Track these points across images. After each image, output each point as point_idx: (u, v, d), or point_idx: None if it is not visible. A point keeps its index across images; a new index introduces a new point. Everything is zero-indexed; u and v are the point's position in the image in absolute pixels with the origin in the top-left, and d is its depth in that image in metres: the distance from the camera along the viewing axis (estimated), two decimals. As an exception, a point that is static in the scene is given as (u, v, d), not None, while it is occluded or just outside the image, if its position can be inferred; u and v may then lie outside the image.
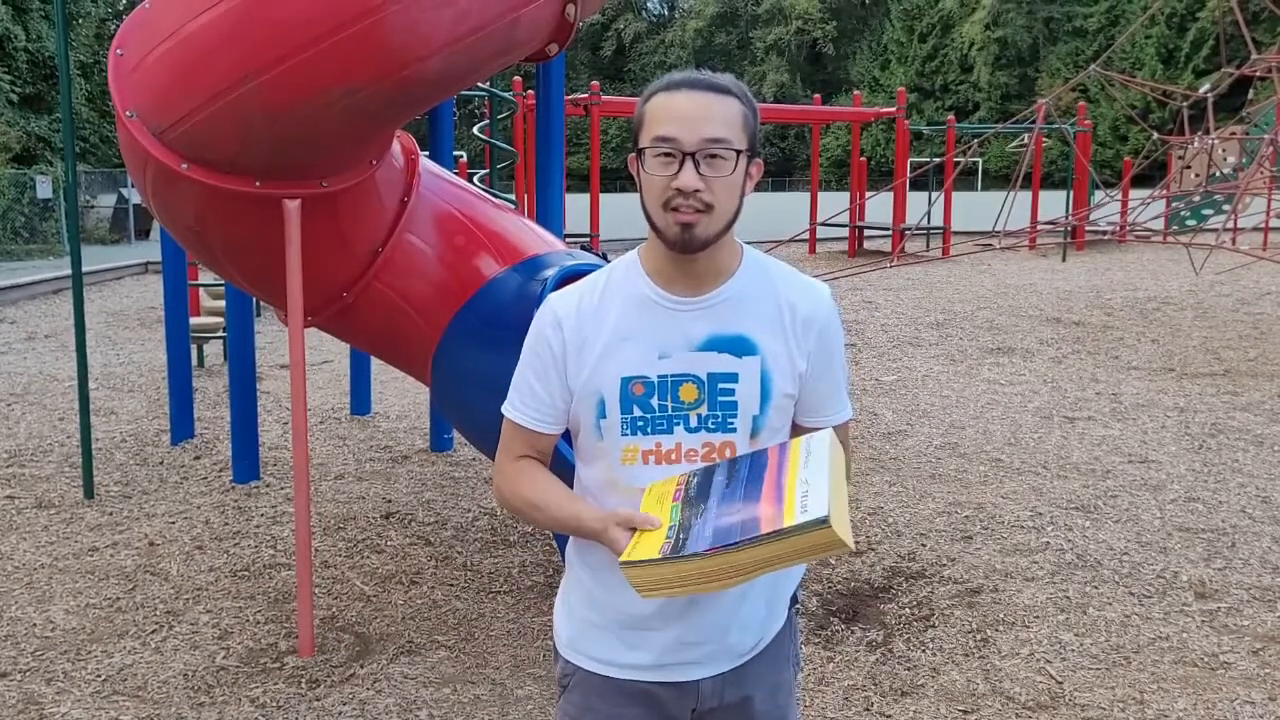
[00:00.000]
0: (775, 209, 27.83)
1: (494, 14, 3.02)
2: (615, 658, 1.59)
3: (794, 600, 1.69)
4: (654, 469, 1.52)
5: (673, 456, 1.52)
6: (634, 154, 1.49)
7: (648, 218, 1.49)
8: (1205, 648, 3.49)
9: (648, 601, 1.53)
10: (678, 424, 1.52)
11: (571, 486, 1.63)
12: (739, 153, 1.44)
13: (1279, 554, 4.28)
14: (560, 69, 5.09)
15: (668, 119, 1.43)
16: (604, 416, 1.53)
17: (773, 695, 1.66)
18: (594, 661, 1.61)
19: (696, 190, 1.42)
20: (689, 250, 1.47)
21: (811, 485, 1.34)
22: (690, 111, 1.43)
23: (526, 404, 1.59)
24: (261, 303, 5.14)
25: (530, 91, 13.80)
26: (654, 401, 1.51)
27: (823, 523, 1.28)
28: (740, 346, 1.52)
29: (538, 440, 1.60)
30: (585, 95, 15.54)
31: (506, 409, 1.62)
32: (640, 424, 1.52)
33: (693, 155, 1.42)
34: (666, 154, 1.43)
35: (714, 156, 1.43)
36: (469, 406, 3.64)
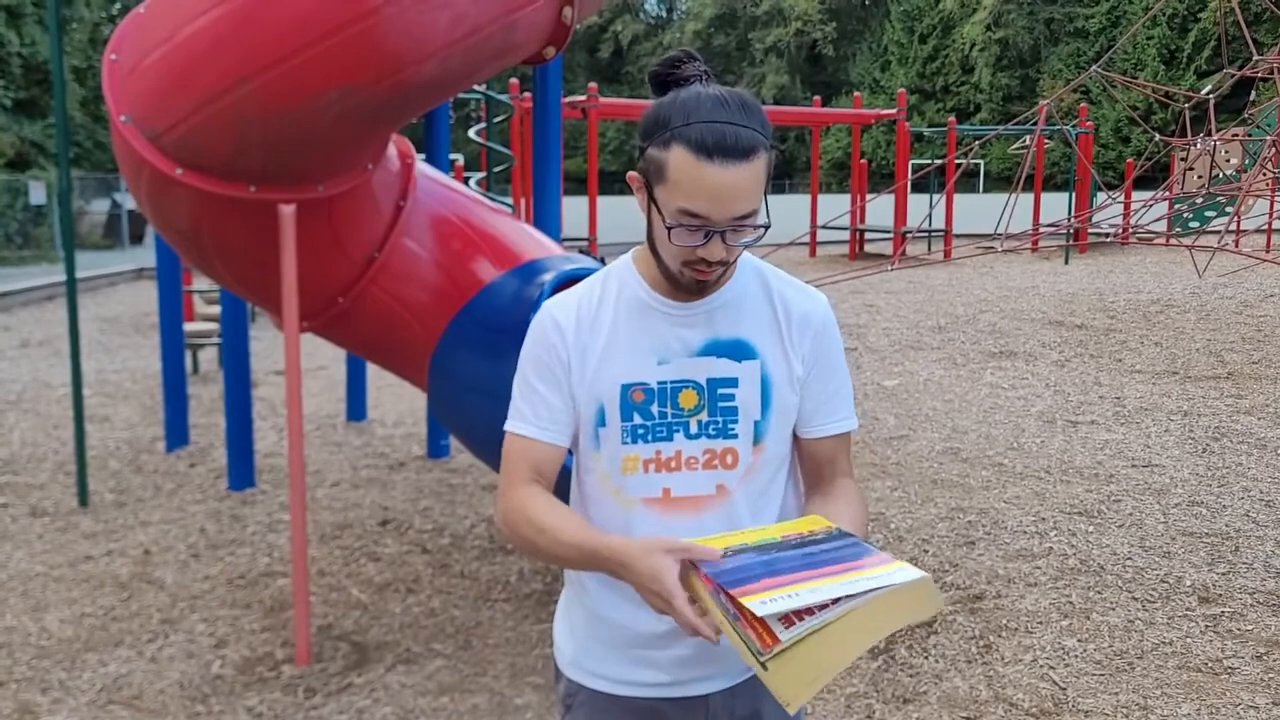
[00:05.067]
0: (775, 212, 27.59)
1: (491, 17, 3.00)
2: (623, 676, 1.55)
3: None
4: (655, 477, 1.49)
5: (672, 464, 1.49)
6: (636, 174, 1.43)
7: (655, 255, 1.46)
8: (1209, 653, 3.47)
9: (655, 619, 1.46)
10: (678, 430, 1.48)
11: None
12: (763, 225, 1.42)
13: (1284, 558, 4.26)
14: (557, 71, 5.06)
15: (697, 194, 1.35)
16: (603, 425, 1.49)
17: (782, 709, 1.62)
18: (601, 680, 1.57)
19: (722, 259, 1.41)
20: (700, 296, 1.49)
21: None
22: (722, 189, 1.34)
23: (539, 415, 1.50)
24: (256, 308, 5.11)
25: (527, 94, 13.78)
26: (654, 408, 1.48)
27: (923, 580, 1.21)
28: (739, 351, 1.49)
29: (547, 456, 1.51)
30: (583, 98, 15.52)
31: (513, 425, 1.53)
32: (640, 432, 1.48)
33: (721, 231, 1.38)
34: (694, 226, 1.39)
35: (741, 229, 1.40)
36: (466, 412, 3.62)
